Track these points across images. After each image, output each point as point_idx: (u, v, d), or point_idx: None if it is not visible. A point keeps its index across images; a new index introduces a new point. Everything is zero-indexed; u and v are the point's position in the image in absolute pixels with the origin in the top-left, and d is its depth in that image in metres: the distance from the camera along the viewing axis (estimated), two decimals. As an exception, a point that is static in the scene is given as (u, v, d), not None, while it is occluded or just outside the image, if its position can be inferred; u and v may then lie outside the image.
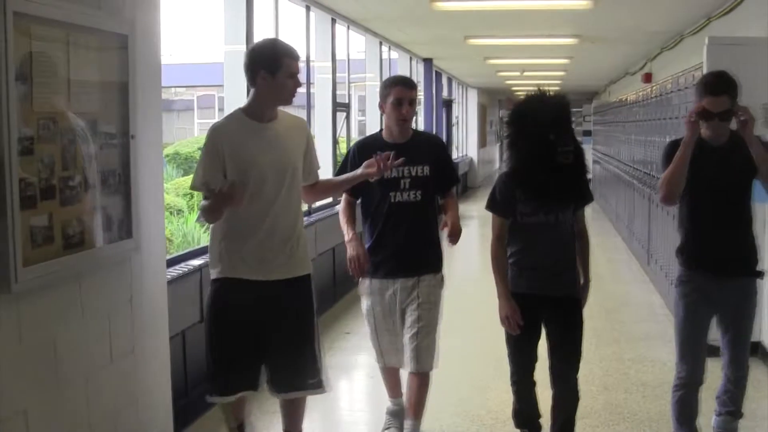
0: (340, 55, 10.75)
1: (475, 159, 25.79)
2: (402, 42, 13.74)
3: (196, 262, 5.69)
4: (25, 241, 3.21)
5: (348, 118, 11.13)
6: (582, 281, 4.52)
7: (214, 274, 4.21)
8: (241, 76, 7.28)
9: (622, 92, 15.25)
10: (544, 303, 4.38)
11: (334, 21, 10.20)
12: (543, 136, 4.16)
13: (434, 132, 16.77)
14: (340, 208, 4.96)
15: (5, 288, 3.13)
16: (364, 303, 4.89)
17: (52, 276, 3.41)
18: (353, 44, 11.72)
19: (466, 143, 25.31)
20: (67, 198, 3.47)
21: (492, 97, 31.55)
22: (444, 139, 18.70)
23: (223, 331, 4.16)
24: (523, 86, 25.95)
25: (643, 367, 6.73)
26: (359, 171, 4.44)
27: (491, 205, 4.44)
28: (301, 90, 10.50)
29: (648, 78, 13.82)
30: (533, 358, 4.47)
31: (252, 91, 4.15)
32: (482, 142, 28.10)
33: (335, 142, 10.37)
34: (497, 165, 33.21)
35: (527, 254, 4.38)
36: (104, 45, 3.81)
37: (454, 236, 4.73)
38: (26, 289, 3.23)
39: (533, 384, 4.52)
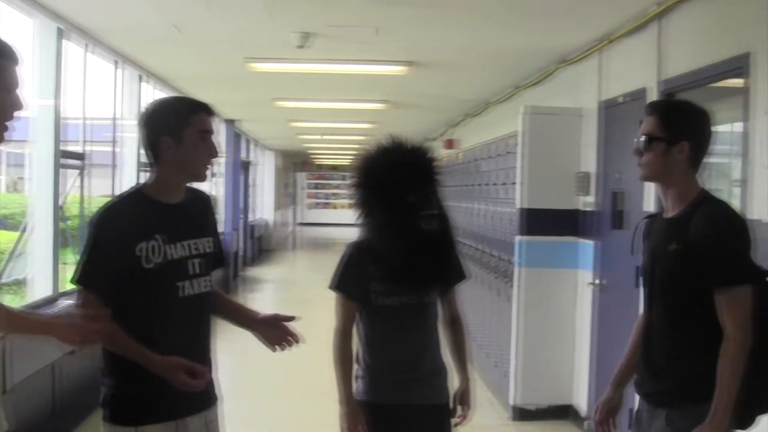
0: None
1: (271, 221, 25.69)
2: (211, 102, 13.49)
3: None
4: None
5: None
6: (460, 384, 3.57)
7: None
8: (49, 130, 6.92)
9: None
10: (410, 415, 3.40)
11: (141, 78, 9.88)
12: (400, 198, 3.31)
13: (231, 195, 16.33)
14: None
15: None
16: None
17: None
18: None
19: (263, 205, 25.17)
20: None
21: (289, 159, 31.63)
22: (242, 201, 18.34)
23: None
24: (321, 150, 26.20)
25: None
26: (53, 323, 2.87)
27: (336, 284, 3.46)
28: (106, 149, 9.75)
29: (450, 144, 14.14)
30: None
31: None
32: (278, 204, 28.04)
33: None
34: (291, 228, 33.20)
35: (385, 348, 3.44)
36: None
37: (286, 333, 3.24)
38: None
39: None
